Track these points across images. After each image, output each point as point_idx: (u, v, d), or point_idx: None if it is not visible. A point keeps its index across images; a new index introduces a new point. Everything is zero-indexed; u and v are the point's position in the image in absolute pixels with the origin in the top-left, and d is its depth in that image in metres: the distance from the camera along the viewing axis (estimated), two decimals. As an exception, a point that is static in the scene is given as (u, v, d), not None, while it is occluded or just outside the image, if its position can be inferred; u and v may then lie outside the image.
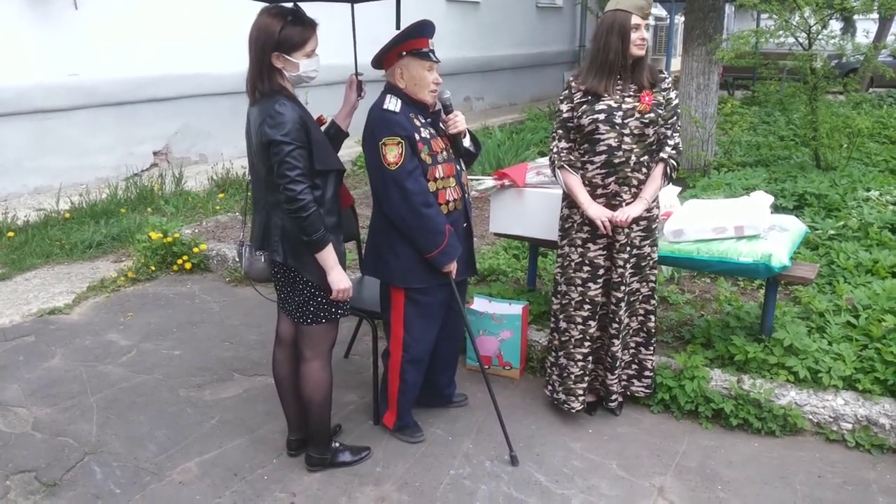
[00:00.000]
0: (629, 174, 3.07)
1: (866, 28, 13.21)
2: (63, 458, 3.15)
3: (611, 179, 3.08)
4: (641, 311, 3.34)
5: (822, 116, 6.80)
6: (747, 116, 8.87)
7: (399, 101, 2.89)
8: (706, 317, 4.02)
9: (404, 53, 2.87)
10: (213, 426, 3.41)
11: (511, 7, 14.04)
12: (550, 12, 15.90)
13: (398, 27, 3.38)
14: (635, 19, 2.95)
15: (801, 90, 7.07)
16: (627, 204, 3.09)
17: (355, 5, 3.54)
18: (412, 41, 2.86)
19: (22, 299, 4.86)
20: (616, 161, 3.05)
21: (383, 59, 2.94)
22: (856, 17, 12.01)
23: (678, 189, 4.26)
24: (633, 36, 2.96)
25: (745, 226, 3.37)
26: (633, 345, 3.39)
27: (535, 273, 4.37)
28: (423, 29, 2.88)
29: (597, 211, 3.08)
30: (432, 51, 2.90)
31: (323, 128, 2.89)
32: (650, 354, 3.40)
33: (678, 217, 3.55)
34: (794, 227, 3.57)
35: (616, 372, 3.31)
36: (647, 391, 3.44)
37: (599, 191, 3.12)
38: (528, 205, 3.82)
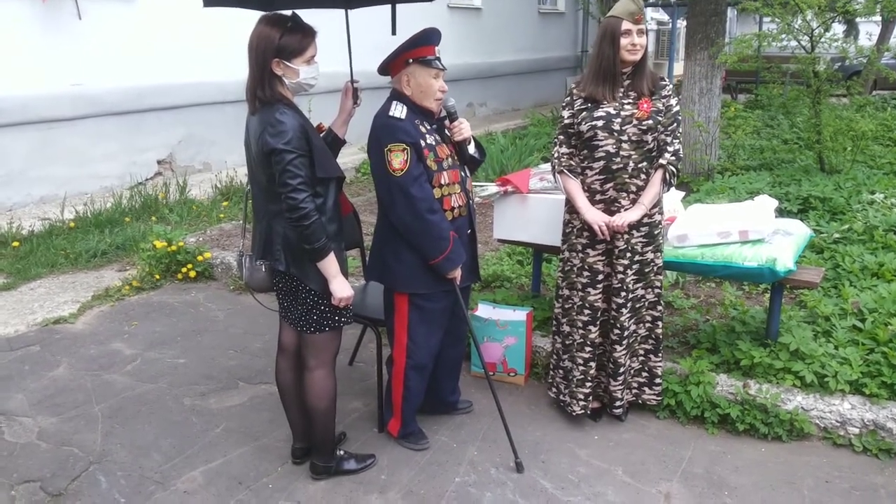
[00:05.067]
0: (627, 180, 3.08)
1: (869, 31, 13.16)
2: (68, 467, 3.15)
3: (609, 185, 3.10)
4: (648, 318, 3.33)
5: (825, 119, 6.78)
6: (751, 120, 8.86)
7: (405, 108, 2.90)
8: (711, 321, 4.00)
9: (411, 61, 2.89)
10: (218, 435, 3.40)
11: (513, 13, 14.06)
12: (553, 18, 15.92)
13: (394, 32, 3.38)
14: (626, 25, 2.98)
15: (805, 93, 7.05)
16: (626, 210, 3.09)
17: (351, 12, 3.55)
18: (419, 49, 2.87)
19: (27, 309, 4.87)
20: (614, 167, 3.07)
21: (390, 67, 2.96)
22: (858, 19, 12.00)
23: (682, 194, 4.25)
24: (624, 41, 2.99)
25: (749, 230, 3.37)
26: (641, 352, 3.38)
27: (539, 279, 4.36)
28: (430, 37, 2.89)
29: (594, 216, 3.09)
30: (438, 58, 2.92)
31: (321, 136, 2.89)
32: (659, 362, 3.39)
33: (682, 222, 3.54)
34: (798, 231, 3.56)
35: (620, 378, 3.30)
36: (658, 399, 3.42)
37: (598, 196, 3.13)
38: (531, 211, 3.82)
